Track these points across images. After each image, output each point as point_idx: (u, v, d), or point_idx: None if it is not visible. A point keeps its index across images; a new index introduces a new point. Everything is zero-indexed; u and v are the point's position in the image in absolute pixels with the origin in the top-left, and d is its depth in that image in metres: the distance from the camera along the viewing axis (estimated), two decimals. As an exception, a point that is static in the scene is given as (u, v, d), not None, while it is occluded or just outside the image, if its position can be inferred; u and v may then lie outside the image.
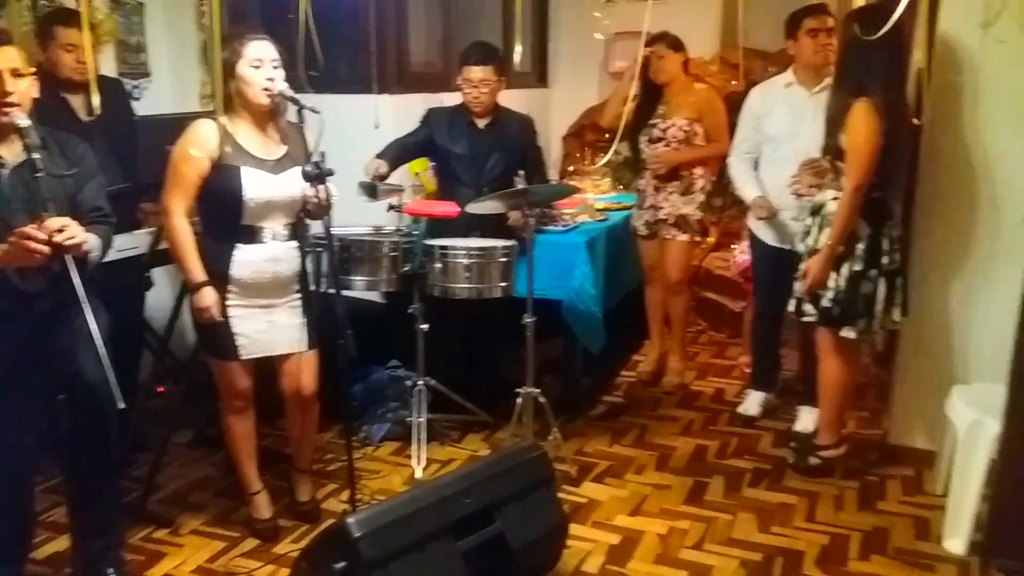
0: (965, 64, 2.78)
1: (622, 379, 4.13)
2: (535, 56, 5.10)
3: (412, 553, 1.96)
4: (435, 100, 3.49)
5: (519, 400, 3.03)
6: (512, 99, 4.36)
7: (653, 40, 3.66)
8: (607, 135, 4.77)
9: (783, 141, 3.18)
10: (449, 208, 3.07)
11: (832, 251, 2.75)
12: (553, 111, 5.24)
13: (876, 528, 2.76)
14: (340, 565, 1.91)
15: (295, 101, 2.38)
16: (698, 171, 3.75)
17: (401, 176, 3.53)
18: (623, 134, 3.65)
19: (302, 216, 2.57)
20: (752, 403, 3.65)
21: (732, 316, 4.62)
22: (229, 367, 2.57)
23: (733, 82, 4.32)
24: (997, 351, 2.42)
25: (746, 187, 3.36)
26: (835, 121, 2.71)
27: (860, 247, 2.74)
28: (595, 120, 4.95)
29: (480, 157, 3.30)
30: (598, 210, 3.96)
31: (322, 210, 2.39)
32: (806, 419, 3.34)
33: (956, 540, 2.60)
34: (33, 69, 2.12)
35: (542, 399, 3.06)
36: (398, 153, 3.25)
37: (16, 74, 2.04)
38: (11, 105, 2.01)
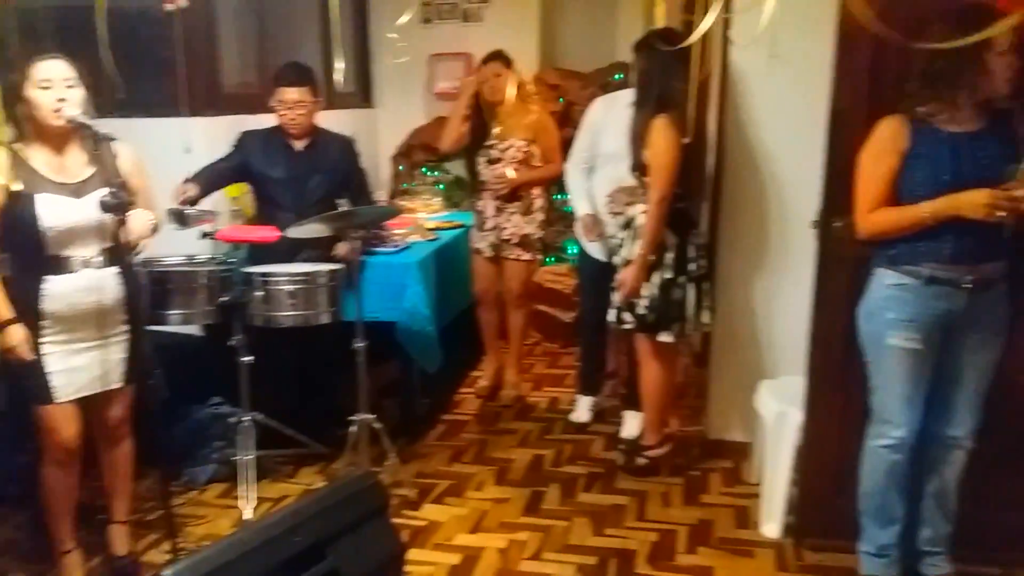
0: (753, 83, 3.01)
1: (461, 396, 4.15)
2: (359, 77, 5.04)
3: (237, 600, 1.86)
4: (252, 122, 3.35)
5: (353, 428, 2.97)
6: (337, 120, 4.30)
7: (488, 59, 3.72)
8: (436, 155, 4.81)
9: (614, 159, 3.17)
10: (268, 233, 2.96)
11: (644, 261, 2.90)
12: (381, 132, 5.20)
13: (701, 521, 2.92)
14: (157, 622, 1.78)
15: (85, 127, 2.23)
16: (536, 191, 3.84)
17: (218, 201, 3.38)
18: (459, 154, 3.69)
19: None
20: (582, 409, 3.78)
21: (564, 327, 4.76)
22: (48, 412, 2.36)
23: (551, 102, 4.47)
24: (798, 346, 2.62)
25: (579, 201, 3.44)
26: (638, 138, 2.87)
27: (669, 256, 2.91)
28: (427, 142, 4.96)
29: (300, 180, 3.20)
30: (429, 230, 3.96)
31: (127, 246, 2.24)
32: (631, 424, 3.48)
33: (771, 525, 2.80)
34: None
35: (377, 425, 3.01)
36: (210, 178, 3.09)
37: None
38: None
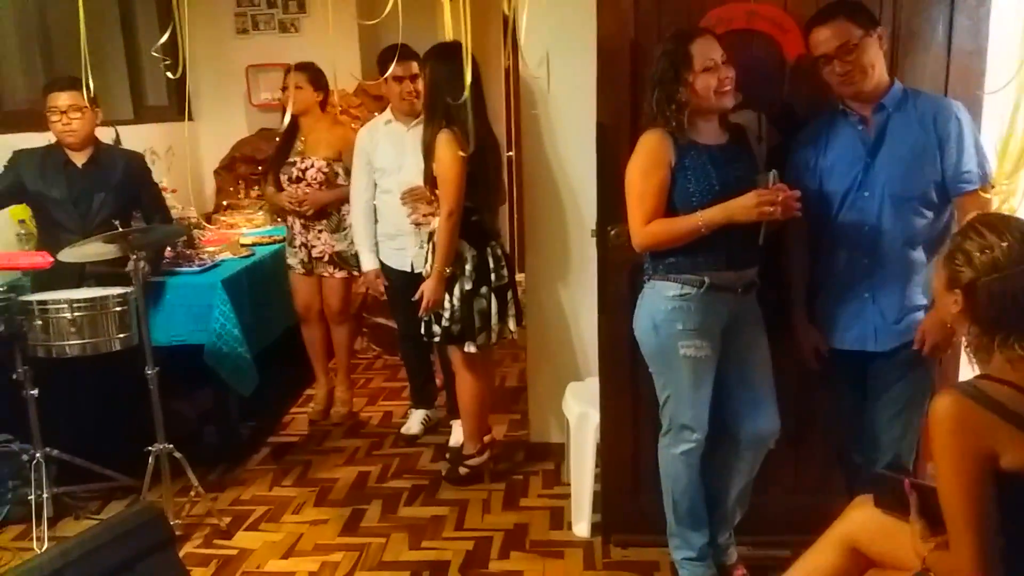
0: (541, 98, 3.12)
1: (291, 416, 4.06)
2: (171, 89, 4.85)
3: (-14, 655, 1.74)
4: (39, 140, 3.16)
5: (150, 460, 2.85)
6: (151, 135, 4.13)
7: (290, 70, 3.65)
8: (260, 168, 4.70)
9: (391, 172, 3.33)
10: (38, 259, 2.79)
11: (440, 273, 2.93)
12: (202, 145, 5.03)
13: (517, 525, 2.97)
14: None
15: None
16: (346, 208, 3.73)
17: (2, 224, 3.17)
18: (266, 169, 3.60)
19: None
20: (414, 422, 3.78)
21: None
22: None
23: (376, 113, 4.44)
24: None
25: (364, 254, 3.48)
26: (427, 152, 2.91)
27: (468, 267, 2.96)
28: (251, 155, 4.84)
29: (82, 198, 3.04)
30: (244, 245, 3.85)
31: None
32: (457, 432, 3.51)
33: (581, 524, 2.89)
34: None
35: (177, 454, 2.90)
36: None
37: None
38: None
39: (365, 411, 4.11)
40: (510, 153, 4.11)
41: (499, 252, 3.04)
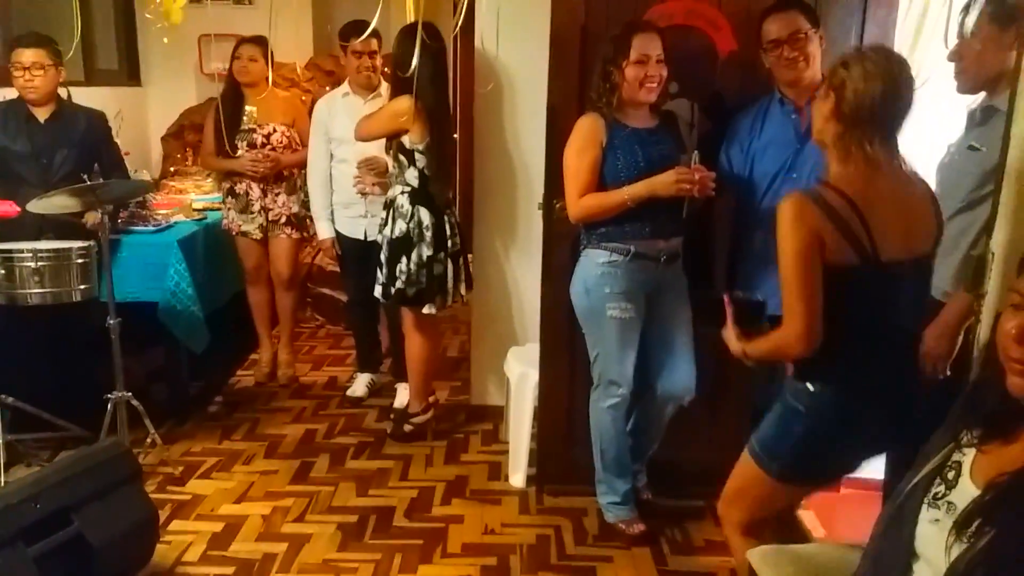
0: (499, 76, 3.32)
1: (238, 378, 4.17)
2: (123, 54, 4.86)
3: (-30, 567, 1.88)
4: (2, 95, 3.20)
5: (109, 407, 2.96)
6: (101, 97, 4.15)
7: (243, 41, 3.75)
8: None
9: (347, 143, 3.47)
10: (5, 208, 2.87)
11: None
12: (151, 111, 5.06)
13: (458, 477, 3.19)
14: None
15: None
16: (297, 171, 3.89)
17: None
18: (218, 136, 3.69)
19: None
20: (359, 385, 3.95)
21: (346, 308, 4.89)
22: None
23: (327, 88, 4.57)
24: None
25: (320, 223, 3.66)
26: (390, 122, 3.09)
27: (428, 234, 3.15)
28: (199, 122, 4.89)
29: (44, 153, 3.12)
30: (196, 210, 3.95)
31: None
32: (402, 395, 3.70)
33: (517, 475, 3.12)
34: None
35: (135, 403, 3.02)
36: None
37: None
38: None
39: (310, 375, 4.25)
40: (456, 136, 4.28)
41: (454, 220, 3.25)
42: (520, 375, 3.10)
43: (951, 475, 1.22)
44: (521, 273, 3.51)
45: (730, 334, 1.89)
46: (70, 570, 2.09)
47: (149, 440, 3.11)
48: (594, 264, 2.54)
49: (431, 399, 3.55)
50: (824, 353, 1.70)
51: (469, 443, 3.49)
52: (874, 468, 2.63)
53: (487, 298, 3.57)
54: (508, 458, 3.19)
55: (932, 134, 2.29)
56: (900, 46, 2.58)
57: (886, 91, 1.69)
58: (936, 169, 2.20)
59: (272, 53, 3.80)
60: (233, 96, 3.79)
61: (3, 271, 2.76)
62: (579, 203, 2.48)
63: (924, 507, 1.24)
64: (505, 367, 3.28)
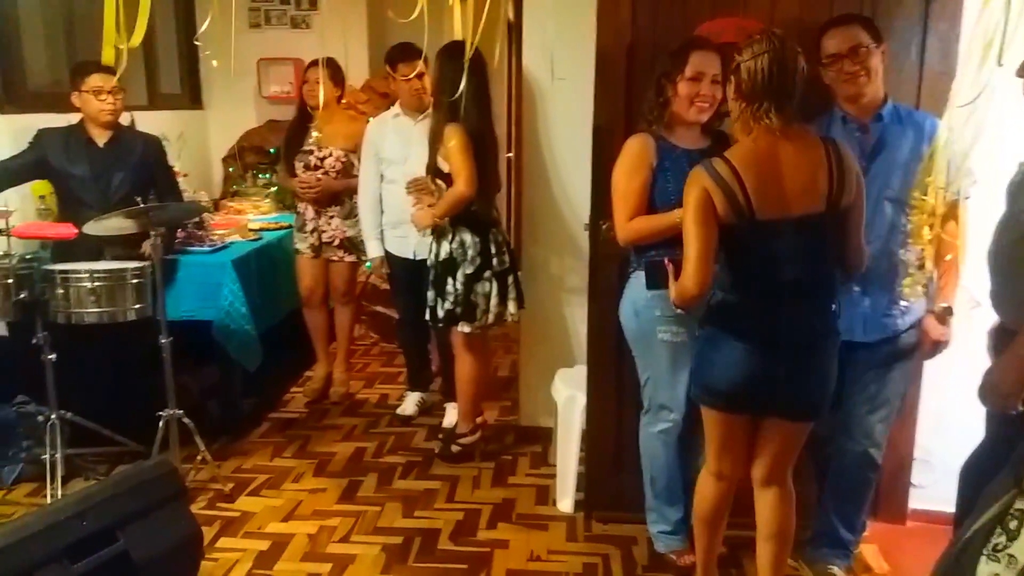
0: (540, 99, 3.30)
1: (291, 395, 4.22)
2: (185, 78, 5.01)
3: (17, 583, 1.91)
4: (61, 121, 3.32)
5: (160, 424, 3.02)
6: (163, 121, 4.28)
7: (311, 64, 3.83)
8: (268, 158, 4.88)
9: (397, 163, 3.51)
10: (64, 230, 2.96)
11: (433, 214, 3.16)
12: (212, 133, 5.20)
13: (505, 500, 3.15)
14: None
15: None
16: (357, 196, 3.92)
17: (24, 199, 3.33)
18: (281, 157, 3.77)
19: None
20: (409, 403, 3.95)
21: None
22: None
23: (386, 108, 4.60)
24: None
25: (370, 242, 3.68)
26: (434, 143, 3.10)
27: (471, 253, 3.14)
28: (259, 144, 5.02)
29: (102, 176, 3.21)
30: (252, 230, 4.02)
31: None
32: (451, 414, 3.69)
33: (565, 501, 3.06)
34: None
35: (187, 421, 3.06)
36: (2, 176, 3.05)
37: None
38: None
39: (362, 393, 4.27)
40: (510, 154, 4.28)
41: (500, 238, 3.23)
42: (567, 398, 3.05)
43: (1013, 524, 1.13)
44: (569, 294, 3.46)
45: (673, 291, 2.15)
46: (116, 588, 2.11)
47: (200, 457, 3.15)
48: (644, 286, 2.47)
49: (479, 420, 3.53)
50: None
51: (517, 465, 3.44)
52: (942, 500, 2.51)
53: (536, 318, 3.53)
54: (556, 482, 3.13)
55: (1003, 152, 2.17)
56: (965, 60, 2.45)
57: (772, 64, 1.96)
58: (1006, 188, 2.08)
59: (339, 75, 3.88)
60: (300, 118, 3.88)
61: (61, 291, 2.85)
62: (628, 226, 2.42)
63: (983, 559, 1.15)
64: (552, 390, 3.23)
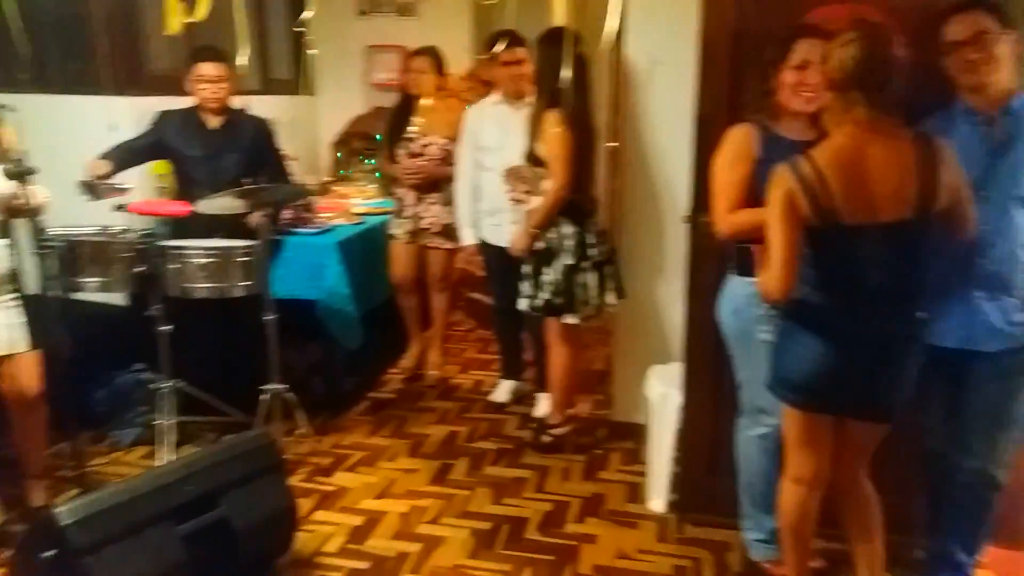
0: (641, 86, 3.21)
1: (389, 376, 4.30)
2: (295, 65, 5.16)
3: (127, 539, 2.02)
4: (179, 103, 3.47)
5: (264, 397, 3.13)
6: (276, 105, 4.43)
7: (415, 53, 3.88)
8: (375, 144, 4.97)
9: (495, 151, 3.49)
10: (178, 207, 3.10)
11: (530, 232, 3.13)
12: (321, 119, 5.34)
13: (594, 494, 3.11)
14: (48, 554, 1.94)
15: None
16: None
17: (143, 177, 3.51)
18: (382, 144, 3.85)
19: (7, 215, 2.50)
20: (502, 391, 3.96)
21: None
22: None
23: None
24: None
25: (464, 229, 3.70)
26: (533, 131, 3.07)
27: (569, 243, 3.11)
28: (365, 130, 5.12)
29: (215, 158, 3.33)
30: (356, 214, 4.11)
31: (27, 211, 2.37)
32: (543, 404, 3.67)
33: (657, 500, 2.99)
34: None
35: (289, 395, 3.17)
36: (124, 155, 3.20)
37: None
38: None
39: (457, 378, 4.31)
40: (615, 144, 4.21)
41: (597, 228, 3.18)
42: (661, 396, 2.97)
43: None
44: (666, 288, 3.38)
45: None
46: (214, 551, 2.21)
47: (301, 431, 3.26)
48: (743, 283, 2.36)
49: (572, 412, 3.50)
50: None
51: (609, 461, 3.40)
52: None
53: (631, 312, 3.46)
54: (648, 480, 3.07)
55: None
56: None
57: (861, 51, 1.89)
58: None
59: (442, 63, 3.92)
60: (403, 106, 3.93)
61: (175, 265, 2.99)
62: (728, 219, 2.31)
63: None
64: (646, 387, 3.16)
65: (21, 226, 2.53)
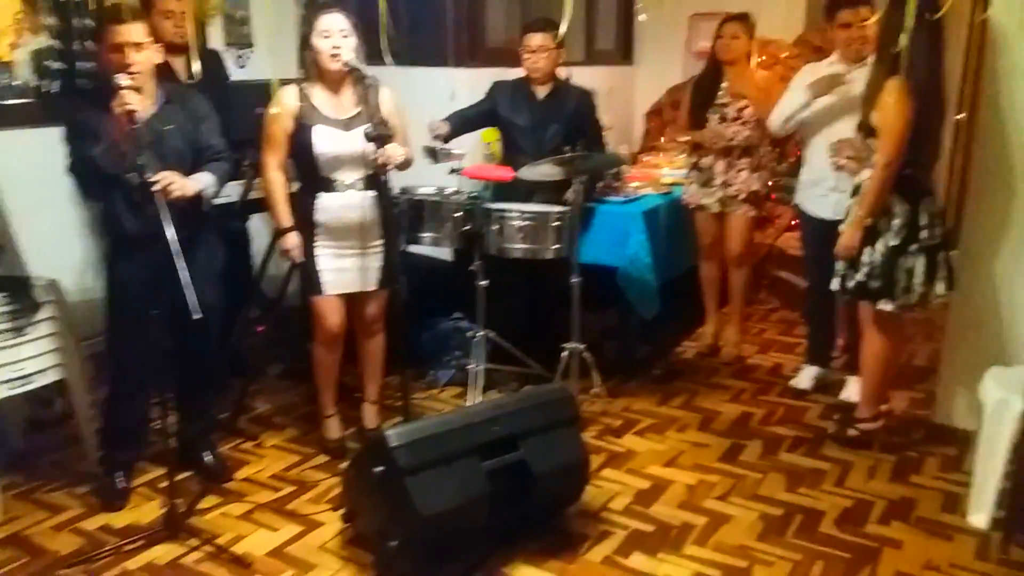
0: (1007, 52, 2.80)
1: (683, 348, 4.28)
2: (620, 35, 5.24)
3: (441, 465, 2.25)
4: (511, 74, 3.71)
5: (564, 355, 3.28)
6: (595, 76, 4.55)
7: (728, 19, 3.78)
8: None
9: (828, 117, 3.26)
10: (504, 172, 3.32)
11: (861, 222, 2.85)
12: (638, 88, 5.38)
13: (903, 498, 2.85)
14: (378, 469, 2.23)
15: (357, 71, 2.70)
16: (764, 147, 3.87)
17: (474, 144, 3.81)
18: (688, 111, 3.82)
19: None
20: (805, 377, 3.75)
21: (803, 295, 4.66)
22: (319, 302, 2.93)
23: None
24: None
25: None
26: (869, 99, 2.79)
27: (896, 223, 2.81)
28: (680, 100, 5.08)
29: (539, 127, 3.50)
30: (664, 184, 4.11)
31: (381, 169, 2.70)
32: (852, 388, 3.43)
33: (979, 515, 2.67)
34: (151, 39, 2.51)
35: (587, 355, 3.29)
36: (461, 122, 3.50)
37: (137, 47, 2.45)
38: (132, 74, 2.42)
39: (754, 358, 4.17)
40: (962, 115, 3.74)
41: (933, 209, 2.84)
42: (998, 401, 2.62)
43: None
44: (1015, 281, 2.95)
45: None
46: (513, 490, 2.38)
47: (596, 390, 3.37)
48: None
49: (884, 408, 3.21)
50: None
51: (923, 465, 3.08)
52: None
53: (969, 304, 3.07)
54: (970, 491, 2.75)
55: None
56: None
57: None
58: None
59: (754, 29, 3.78)
60: (712, 73, 3.85)
61: (495, 226, 3.23)
62: None
63: None
64: (981, 389, 2.80)
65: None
